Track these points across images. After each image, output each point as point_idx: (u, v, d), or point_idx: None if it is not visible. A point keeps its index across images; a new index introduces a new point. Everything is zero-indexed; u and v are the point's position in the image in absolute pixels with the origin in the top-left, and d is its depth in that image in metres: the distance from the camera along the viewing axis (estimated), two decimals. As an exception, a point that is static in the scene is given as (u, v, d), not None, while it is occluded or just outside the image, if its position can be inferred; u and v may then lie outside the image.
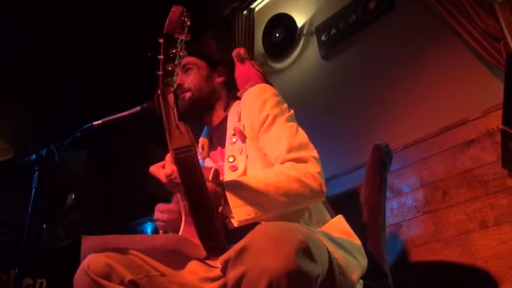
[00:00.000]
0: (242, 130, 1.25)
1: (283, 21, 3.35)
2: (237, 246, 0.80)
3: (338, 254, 0.99)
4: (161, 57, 0.95)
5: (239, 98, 1.38)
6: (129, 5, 3.37)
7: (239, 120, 1.29)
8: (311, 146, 1.20)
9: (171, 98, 0.98)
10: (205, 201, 0.94)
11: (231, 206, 1.03)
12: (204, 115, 1.40)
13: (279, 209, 1.08)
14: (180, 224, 1.20)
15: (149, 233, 2.68)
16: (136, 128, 3.08)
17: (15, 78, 3.19)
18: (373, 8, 2.81)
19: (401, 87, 2.59)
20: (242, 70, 1.51)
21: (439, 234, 2.11)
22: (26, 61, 3.20)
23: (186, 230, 1.15)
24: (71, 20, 3.35)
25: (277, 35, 3.35)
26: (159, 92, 0.98)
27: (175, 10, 0.95)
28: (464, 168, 2.12)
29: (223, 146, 1.32)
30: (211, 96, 1.38)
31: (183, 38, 0.96)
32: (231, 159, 1.23)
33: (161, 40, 0.94)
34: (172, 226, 1.28)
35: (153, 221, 2.59)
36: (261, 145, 1.23)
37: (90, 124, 1.56)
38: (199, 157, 1.18)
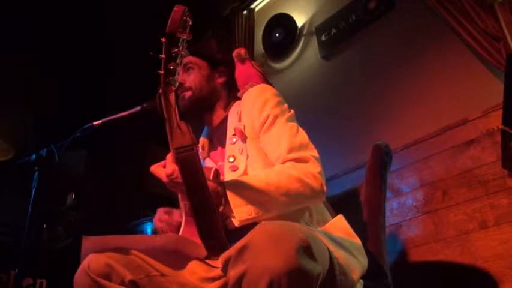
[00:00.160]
0: (243, 130, 1.25)
1: (283, 21, 3.35)
2: (238, 244, 0.80)
3: (338, 254, 0.99)
4: (163, 56, 0.95)
5: (239, 98, 1.38)
6: (129, 5, 3.37)
7: (239, 121, 1.29)
8: (311, 146, 1.20)
9: (172, 97, 0.98)
10: (206, 201, 0.94)
11: (232, 206, 1.03)
12: (204, 115, 1.40)
13: (279, 208, 1.08)
14: (180, 226, 1.20)
15: (149, 233, 2.68)
16: (136, 128, 3.08)
17: (15, 78, 3.19)
18: (373, 8, 2.81)
19: (401, 87, 2.59)
20: (242, 70, 1.52)
21: (439, 234, 2.11)
22: (26, 61, 3.20)
23: (186, 230, 1.15)
24: (71, 20, 3.35)
25: (277, 35, 3.35)
26: (160, 91, 0.98)
27: (178, 9, 0.95)
28: (464, 168, 2.12)
29: (223, 146, 1.32)
30: (212, 96, 1.38)
31: (185, 37, 0.96)
32: (231, 159, 1.23)
33: (163, 39, 0.94)
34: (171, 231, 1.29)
35: (152, 221, 2.59)
36: (262, 145, 1.23)
37: (90, 124, 1.56)
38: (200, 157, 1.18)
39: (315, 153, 1.18)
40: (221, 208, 1.04)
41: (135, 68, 3.37)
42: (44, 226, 2.97)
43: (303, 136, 1.21)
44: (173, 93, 0.98)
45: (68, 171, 3.03)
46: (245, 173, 1.20)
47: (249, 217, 1.03)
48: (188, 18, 0.97)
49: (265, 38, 3.44)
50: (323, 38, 3.08)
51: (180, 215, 1.26)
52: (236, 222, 1.03)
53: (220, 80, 1.42)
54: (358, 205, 1.57)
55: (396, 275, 1.49)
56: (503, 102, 1.88)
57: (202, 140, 1.43)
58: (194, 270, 1.09)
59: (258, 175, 1.13)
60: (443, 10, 2.37)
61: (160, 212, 1.31)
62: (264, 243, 0.78)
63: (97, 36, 3.49)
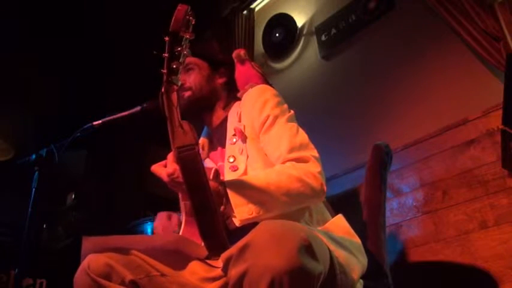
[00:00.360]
0: (243, 130, 1.25)
1: (283, 21, 3.35)
2: (239, 243, 0.80)
3: (339, 253, 1.00)
4: (166, 55, 0.95)
5: (239, 99, 1.38)
6: (129, 5, 3.37)
7: (239, 121, 1.29)
8: (311, 146, 1.20)
9: (174, 96, 0.98)
10: (207, 200, 0.94)
11: (233, 205, 1.03)
12: (204, 115, 1.40)
13: (280, 208, 1.08)
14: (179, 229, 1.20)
15: (149, 233, 2.68)
16: (136, 128, 3.08)
17: (15, 78, 3.19)
18: (373, 8, 2.81)
19: (401, 87, 2.59)
20: (242, 71, 1.52)
21: (439, 234, 2.11)
22: (26, 61, 3.20)
23: (187, 230, 1.15)
24: (71, 20, 3.35)
25: (277, 35, 3.35)
26: (162, 89, 0.98)
27: (181, 8, 0.95)
28: (464, 168, 2.12)
29: (223, 146, 1.32)
30: (212, 96, 1.38)
31: (188, 36, 0.96)
32: (231, 160, 1.23)
33: (166, 38, 0.94)
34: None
35: (153, 221, 2.59)
36: (262, 145, 1.23)
37: (90, 124, 1.56)
38: (200, 157, 1.18)
39: (315, 153, 1.18)
40: (222, 208, 1.04)
41: (135, 68, 3.38)
42: (44, 226, 2.97)
43: (303, 136, 1.21)
44: (175, 93, 0.98)
45: (68, 171, 3.03)
46: (245, 173, 1.20)
47: (250, 216, 1.02)
48: (191, 18, 0.97)
49: (265, 38, 3.44)
50: (323, 38, 3.08)
51: (180, 219, 1.26)
52: (237, 222, 1.03)
53: (220, 80, 1.42)
54: (358, 205, 1.57)
55: (396, 275, 1.49)
56: (503, 102, 1.88)
57: (202, 141, 1.43)
58: (194, 270, 1.09)
59: (258, 175, 1.13)
60: (443, 10, 2.37)
61: (161, 217, 1.31)
62: (266, 243, 0.78)
63: (97, 36, 3.49)
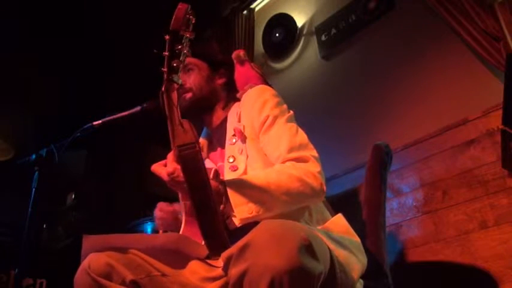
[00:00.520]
0: (242, 130, 1.26)
1: (283, 21, 3.35)
2: (240, 243, 0.80)
3: (339, 252, 1.00)
4: (166, 53, 0.95)
5: (238, 100, 1.39)
6: (129, 5, 3.37)
7: (239, 121, 1.30)
8: (311, 146, 1.21)
9: (174, 95, 0.98)
10: (208, 199, 0.94)
11: (233, 204, 1.03)
12: (203, 116, 1.41)
13: (280, 207, 1.08)
14: (180, 225, 1.20)
15: (149, 233, 2.68)
16: (136, 128, 3.08)
17: (15, 78, 3.19)
18: (373, 8, 2.81)
19: (401, 87, 2.59)
20: (242, 72, 1.52)
21: (439, 234, 2.11)
22: (26, 61, 3.20)
23: (187, 230, 1.15)
24: (71, 20, 3.35)
25: (277, 35, 3.35)
26: (163, 88, 0.98)
27: (181, 7, 0.95)
28: (464, 168, 2.12)
29: (222, 147, 1.32)
30: (212, 97, 1.39)
31: (188, 35, 0.96)
32: (231, 160, 1.23)
33: (167, 37, 0.94)
34: (171, 226, 1.29)
35: (153, 221, 2.59)
36: (261, 145, 1.23)
37: (90, 124, 1.56)
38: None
39: (315, 153, 1.18)
40: (222, 207, 1.04)
41: (135, 68, 3.38)
42: (44, 226, 2.97)
43: (302, 136, 1.22)
44: (175, 92, 0.98)
45: (68, 171, 3.03)
46: (245, 172, 1.20)
47: (250, 216, 1.02)
48: (191, 17, 0.97)
49: (265, 38, 3.44)
50: (323, 38, 3.08)
51: (180, 212, 1.26)
52: (237, 221, 1.03)
53: (220, 81, 1.42)
54: (358, 205, 1.57)
55: (396, 275, 1.49)
56: (503, 102, 1.88)
57: (201, 142, 1.43)
58: (195, 270, 1.09)
59: (258, 174, 1.13)
60: (443, 10, 2.37)
61: (162, 203, 1.32)
62: (266, 242, 0.78)
63: (97, 36, 3.49)
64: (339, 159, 2.64)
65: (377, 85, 2.70)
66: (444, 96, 2.38)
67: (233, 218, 1.04)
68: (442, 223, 2.11)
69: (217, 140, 1.38)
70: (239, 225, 1.03)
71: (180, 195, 1.19)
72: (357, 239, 1.17)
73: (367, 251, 1.19)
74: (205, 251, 1.01)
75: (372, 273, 1.20)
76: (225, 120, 1.36)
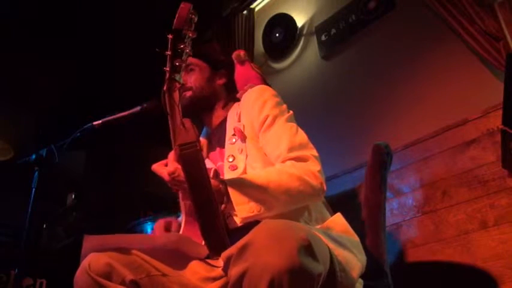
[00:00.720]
0: (242, 130, 1.26)
1: (283, 21, 3.35)
2: (240, 243, 0.80)
3: (338, 252, 1.00)
4: (169, 52, 0.95)
5: (238, 100, 1.39)
6: (129, 5, 3.37)
7: (239, 121, 1.30)
8: (311, 145, 1.21)
9: (176, 94, 0.98)
10: (209, 198, 0.94)
11: (234, 203, 1.03)
12: (203, 116, 1.41)
13: (281, 206, 1.08)
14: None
15: (149, 233, 2.68)
16: (137, 128, 3.08)
17: (15, 78, 3.19)
18: (373, 8, 2.81)
19: (401, 87, 2.59)
20: (242, 72, 1.52)
21: (439, 234, 2.11)
22: (26, 61, 3.20)
23: (187, 230, 1.15)
24: (71, 20, 3.35)
25: (277, 35, 3.35)
26: (165, 87, 0.98)
27: (184, 6, 0.95)
28: (464, 168, 2.12)
29: (222, 146, 1.32)
30: (212, 97, 1.39)
31: (191, 34, 0.96)
32: (230, 159, 1.24)
33: (170, 35, 0.94)
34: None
35: (153, 221, 2.59)
36: (261, 145, 1.24)
37: (90, 124, 1.56)
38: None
39: (315, 152, 1.19)
40: (222, 206, 1.04)
41: (135, 68, 3.37)
42: (44, 226, 2.97)
43: (302, 136, 1.22)
44: (177, 91, 0.98)
45: (68, 171, 3.04)
46: (244, 172, 1.20)
47: (251, 215, 1.03)
48: (194, 16, 0.97)
49: (265, 38, 3.44)
50: (323, 38, 3.08)
51: (178, 225, 1.26)
52: (238, 220, 1.03)
53: (220, 81, 1.43)
54: (358, 205, 1.57)
55: (396, 275, 1.48)
56: (503, 102, 1.88)
57: (201, 141, 1.43)
58: (195, 270, 1.09)
59: (259, 173, 1.13)
60: (444, 10, 2.36)
61: (160, 225, 1.30)
62: (266, 242, 0.78)
63: (97, 36, 3.49)
64: (339, 159, 2.63)
65: (377, 85, 2.70)
66: (444, 96, 2.38)
67: (234, 217, 1.04)
68: (442, 223, 2.11)
69: (216, 139, 1.39)
70: (240, 225, 1.03)
71: (180, 195, 1.19)
72: (356, 238, 1.17)
73: (367, 250, 1.19)
74: (205, 251, 1.01)
75: (372, 273, 1.20)
76: (224, 120, 1.37)
